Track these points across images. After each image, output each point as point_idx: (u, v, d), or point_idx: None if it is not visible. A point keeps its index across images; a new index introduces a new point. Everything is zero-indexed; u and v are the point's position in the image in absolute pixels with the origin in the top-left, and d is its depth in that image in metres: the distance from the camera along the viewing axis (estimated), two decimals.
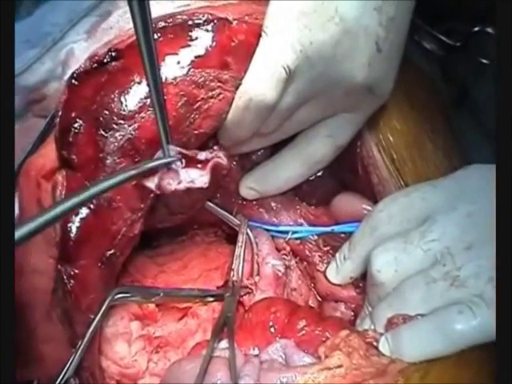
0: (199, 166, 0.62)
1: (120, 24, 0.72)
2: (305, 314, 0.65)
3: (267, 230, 0.77)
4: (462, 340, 0.55)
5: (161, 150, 0.60)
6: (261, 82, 0.63)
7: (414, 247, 0.62)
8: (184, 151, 0.60)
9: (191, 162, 0.61)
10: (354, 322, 0.69)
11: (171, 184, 0.60)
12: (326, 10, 0.62)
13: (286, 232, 0.77)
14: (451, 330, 0.55)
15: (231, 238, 0.79)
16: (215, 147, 0.66)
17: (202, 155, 0.62)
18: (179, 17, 0.64)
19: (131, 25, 0.70)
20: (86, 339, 0.60)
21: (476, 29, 0.86)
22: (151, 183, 0.60)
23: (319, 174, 0.77)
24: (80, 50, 0.74)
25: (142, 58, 0.49)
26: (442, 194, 0.65)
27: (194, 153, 0.62)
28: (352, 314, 0.72)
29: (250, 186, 0.75)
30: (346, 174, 0.77)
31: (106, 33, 0.73)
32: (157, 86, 0.51)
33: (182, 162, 0.60)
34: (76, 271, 0.60)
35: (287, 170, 0.74)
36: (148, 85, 0.51)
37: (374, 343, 0.59)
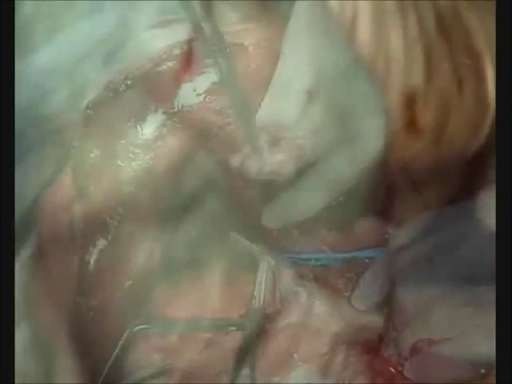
0: None
1: (136, 51, 0.72)
2: (328, 340, 0.64)
3: (289, 258, 0.75)
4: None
5: None
6: (279, 106, 0.62)
7: (439, 271, 0.61)
8: None
9: None
10: (379, 348, 0.68)
11: None
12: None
13: (309, 259, 0.75)
14: (477, 354, 0.54)
15: (253, 265, 0.77)
16: None
17: None
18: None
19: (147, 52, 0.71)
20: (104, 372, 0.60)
21: None
22: None
23: (340, 198, 0.74)
24: (95, 78, 0.73)
25: None
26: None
27: None
28: (377, 339, 0.70)
29: (272, 215, 0.74)
30: (368, 198, 0.76)
31: (122, 60, 0.72)
32: None
33: None
34: (94, 303, 0.60)
35: (309, 196, 0.72)
36: None
37: (399, 368, 0.58)
